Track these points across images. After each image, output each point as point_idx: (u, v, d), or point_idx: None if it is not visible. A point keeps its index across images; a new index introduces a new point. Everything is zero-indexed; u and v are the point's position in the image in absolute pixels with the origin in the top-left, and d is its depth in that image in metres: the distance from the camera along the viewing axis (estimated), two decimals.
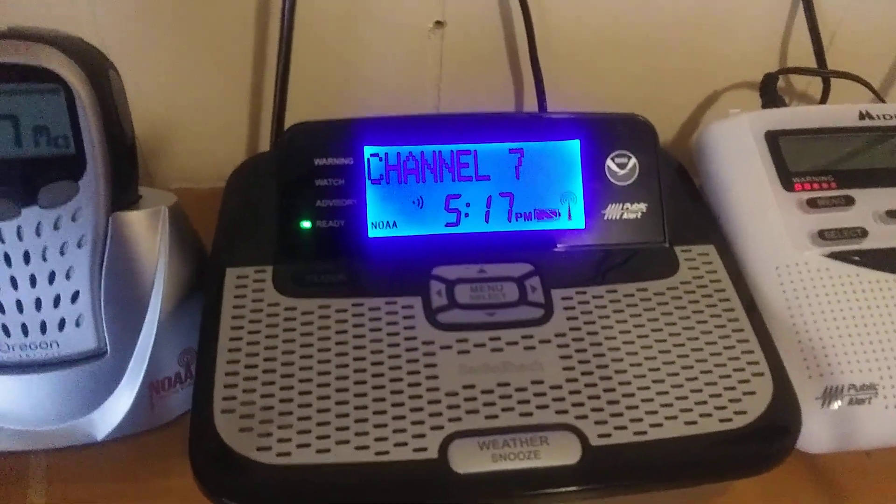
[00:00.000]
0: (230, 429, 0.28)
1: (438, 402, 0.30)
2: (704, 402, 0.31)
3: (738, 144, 0.39)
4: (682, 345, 0.33)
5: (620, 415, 0.30)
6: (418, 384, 0.30)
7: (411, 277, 0.34)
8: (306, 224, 0.35)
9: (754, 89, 0.48)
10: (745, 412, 0.31)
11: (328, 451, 0.28)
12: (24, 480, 0.32)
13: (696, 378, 0.32)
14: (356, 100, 0.45)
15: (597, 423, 0.30)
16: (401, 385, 0.30)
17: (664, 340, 0.33)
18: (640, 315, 0.34)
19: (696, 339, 0.33)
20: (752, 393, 0.31)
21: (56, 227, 0.29)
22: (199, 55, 0.42)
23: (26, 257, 0.29)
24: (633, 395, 0.31)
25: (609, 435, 0.29)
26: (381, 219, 0.35)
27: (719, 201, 0.39)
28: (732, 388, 0.31)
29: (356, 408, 0.30)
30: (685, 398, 0.31)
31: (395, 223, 0.35)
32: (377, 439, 0.29)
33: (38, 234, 0.29)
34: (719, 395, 0.31)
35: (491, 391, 0.30)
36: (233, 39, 0.42)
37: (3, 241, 0.29)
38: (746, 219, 0.38)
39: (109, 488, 0.32)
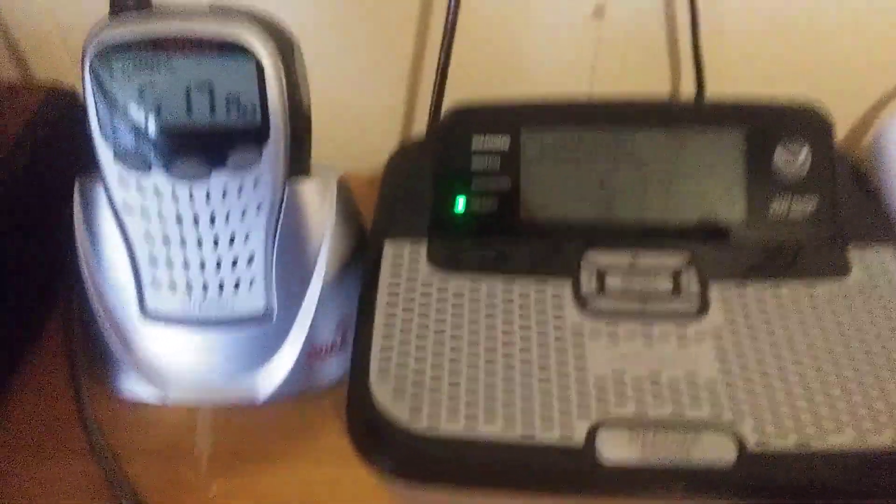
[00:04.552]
0: (385, 395, 0.30)
1: (586, 387, 0.30)
2: (879, 416, 0.29)
3: None
4: (855, 352, 0.31)
5: (782, 420, 0.28)
6: (566, 368, 0.30)
7: (562, 261, 0.34)
8: (461, 202, 0.35)
9: None
10: None
11: (476, 424, 0.29)
12: (192, 431, 0.34)
13: (870, 389, 0.29)
14: (512, 88, 0.46)
15: (755, 425, 0.28)
16: (548, 368, 0.30)
17: (834, 345, 0.31)
18: (806, 316, 0.32)
19: (872, 347, 0.31)
20: None
21: (240, 192, 0.31)
22: (364, 44, 0.44)
23: (212, 218, 0.32)
24: (796, 400, 0.29)
25: (768, 440, 0.28)
26: (535, 200, 0.35)
27: None
28: None
29: (503, 387, 0.30)
30: (856, 410, 0.29)
31: (548, 205, 0.35)
32: (524, 419, 0.29)
33: (223, 196, 0.31)
34: None
35: (641, 382, 0.30)
36: (396, 32, 0.44)
37: (193, 202, 0.31)
38: None
39: (269, 444, 0.34)
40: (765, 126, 0.35)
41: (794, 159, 0.35)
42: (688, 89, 0.45)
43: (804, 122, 0.35)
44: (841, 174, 0.35)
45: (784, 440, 0.28)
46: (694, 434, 0.28)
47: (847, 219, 0.35)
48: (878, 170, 0.38)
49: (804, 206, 0.35)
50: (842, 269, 0.33)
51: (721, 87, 0.44)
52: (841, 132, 0.46)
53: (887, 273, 0.33)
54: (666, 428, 0.28)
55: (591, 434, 0.28)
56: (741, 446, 0.28)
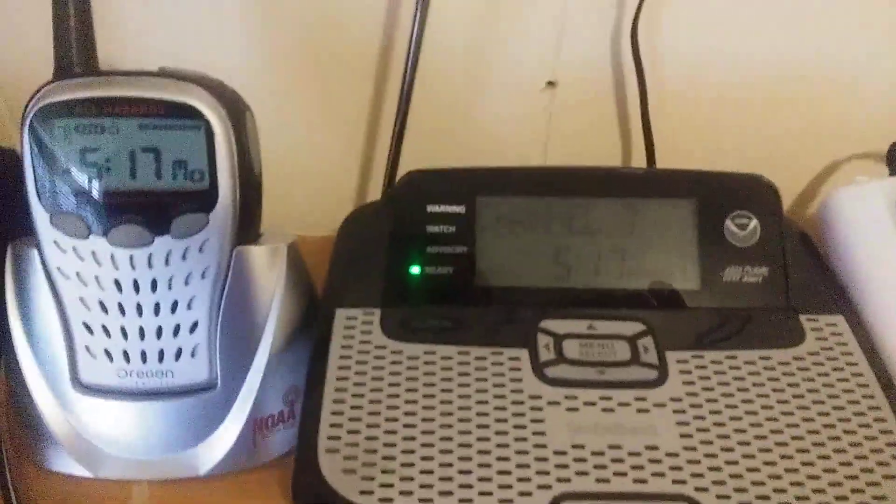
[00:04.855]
0: (334, 469, 0.28)
1: (546, 459, 0.29)
2: (839, 484, 0.28)
3: (869, 213, 0.37)
4: (812, 419, 0.30)
5: (745, 490, 0.28)
6: (525, 439, 0.29)
7: (518, 329, 0.33)
8: (416, 269, 0.35)
9: (878, 160, 0.46)
10: (884, 497, 0.28)
11: (430, 501, 0.27)
12: None
13: (828, 457, 0.29)
14: (466, 156, 0.46)
15: (718, 496, 0.28)
16: (507, 439, 0.29)
17: (791, 413, 0.31)
18: (763, 384, 0.32)
19: (828, 414, 0.31)
20: (892, 477, 0.29)
21: (184, 258, 0.30)
22: (320, 108, 0.45)
23: (153, 285, 0.30)
24: (758, 469, 0.29)
25: None
26: (490, 268, 0.35)
27: (847, 271, 0.37)
28: (870, 471, 0.29)
29: (460, 458, 0.29)
30: (817, 477, 0.28)
31: (503, 273, 0.35)
32: (481, 493, 0.28)
33: (166, 262, 0.30)
34: (855, 477, 0.29)
35: (602, 453, 0.29)
36: (352, 96, 0.44)
37: (133, 268, 0.30)
38: (879, 290, 0.35)
39: None
40: (715, 196, 0.36)
41: (743, 229, 0.35)
42: (639, 160, 0.46)
43: (752, 193, 0.36)
44: (791, 243, 0.36)
45: None
46: None
47: (799, 286, 0.35)
48: (825, 239, 0.39)
49: (756, 275, 0.35)
50: (796, 337, 0.34)
51: (671, 158, 0.45)
52: (787, 201, 0.47)
53: (839, 340, 0.34)
54: (629, 499, 0.28)
55: None
56: None
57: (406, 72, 0.39)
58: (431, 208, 0.35)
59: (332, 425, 0.29)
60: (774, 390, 0.31)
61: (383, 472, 0.28)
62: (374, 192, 0.48)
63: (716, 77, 0.44)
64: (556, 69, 0.43)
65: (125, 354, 0.31)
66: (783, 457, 0.29)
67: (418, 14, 0.37)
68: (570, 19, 0.41)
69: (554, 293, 0.35)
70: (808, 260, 0.37)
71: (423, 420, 0.30)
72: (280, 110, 0.44)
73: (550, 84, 0.44)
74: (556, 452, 0.29)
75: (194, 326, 0.31)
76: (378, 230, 0.36)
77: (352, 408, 0.30)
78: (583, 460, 0.29)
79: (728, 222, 0.35)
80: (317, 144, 0.46)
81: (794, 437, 0.30)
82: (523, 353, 0.32)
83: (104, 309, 0.30)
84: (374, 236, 0.36)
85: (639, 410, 0.30)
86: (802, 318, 0.34)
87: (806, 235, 0.39)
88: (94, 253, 0.30)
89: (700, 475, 0.28)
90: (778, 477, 0.28)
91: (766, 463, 0.29)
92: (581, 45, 0.42)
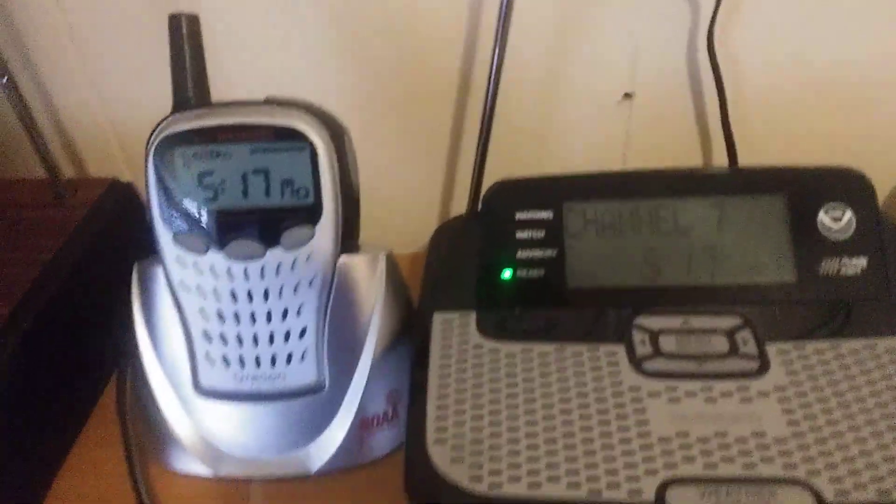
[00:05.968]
0: (443, 459, 0.29)
1: (651, 446, 0.29)
2: None
3: None
4: None
5: (859, 472, 0.27)
6: (628, 428, 0.30)
7: (612, 326, 0.34)
8: (507, 273, 0.36)
9: None
10: None
11: (539, 485, 0.28)
12: (246, 503, 0.34)
13: None
14: (546, 170, 0.47)
15: (832, 479, 0.27)
16: (609, 428, 0.30)
17: None
18: (870, 371, 0.31)
19: None
20: None
21: (293, 268, 0.32)
22: (406, 130, 0.47)
23: (266, 294, 0.32)
24: (871, 453, 0.28)
25: (848, 492, 0.27)
26: (580, 270, 0.36)
27: None
28: None
29: (565, 447, 0.29)
30: None
31: (593, 274, 0.35)
32: (589, 479, 0.28)
33: (277, 273, 0.32)
34: None
35: (707, 439, 0.29)
36: (436, 119, 0.46)
37: (247, 279, 0.32)
38: None
39: None
40: (805, 190, 0.35)
41: (838, 221, 0.35)
42: (719, 164, 0.46)
43: (844, 184, 0.35)
44: (888, 234, 0.35)
45: (864, 492, 0.27)
46: (770, 489, 0.27)
47: None
48: None
49: (854, 266, 0.34)
50: None
51: (752, 162, 0.45)
52: (880, 197, 0.46)
53: None
54: (739, 484, 0.27)
55: (661, 491, 0.27)
56: (819, 500, 0.27)
57: (488, 91, 0.41)
58: (520, 215, 0.36)
59: (439, 419, 0.30)
60: (883, 377, 0.31)
61: (491, 459, 0.29)
62: (457, 209, 0.49)
63: (795, 78, 0.44)
64: (633, 80, 0.44)
65: (241, 360, 0.33)
66: None
67: (499, 36, 0.39)
68: (645, 30, 0.42)
69: (645, 292, 0.35)
70: None
71: (526, 412, 0.30)
72: (370, 134, 0.46)
73: (628, 95, 0.45)
74: (661, 439, 0.29)
75: (303, 332, 0.33)
76: (468, 239, 0.38)
77: (455, 402, 0.31)
78: (689, 447, 0.29)
79: (822, 215, 0.35)
80: (403, 167, 0.48)
81: None
82: (619, 349, 0.33)
83: (221, 318, 0.33)
84: (464, 245, 0.38)
85: (742, 400, 0.30)
86: None
87: None
88: (212, 266, 0.32)
89: (811, 460, 0.28)
90: (892, 459, 0.27)
91: (881, 447, 0.28)
92: (657, 55, 0.43)
